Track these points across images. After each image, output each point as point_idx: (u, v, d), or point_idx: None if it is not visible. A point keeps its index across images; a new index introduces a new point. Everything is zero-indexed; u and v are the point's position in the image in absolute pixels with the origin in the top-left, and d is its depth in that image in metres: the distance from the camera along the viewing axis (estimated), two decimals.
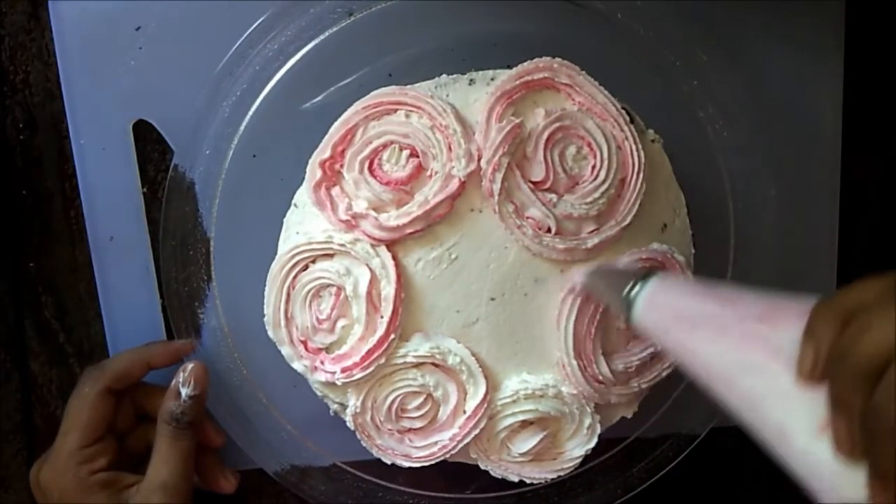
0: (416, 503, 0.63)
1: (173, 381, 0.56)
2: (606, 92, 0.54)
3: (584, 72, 0.54)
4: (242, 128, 0.60)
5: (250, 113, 0.59)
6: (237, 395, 0.62)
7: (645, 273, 0.45)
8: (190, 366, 0.56)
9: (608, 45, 0.60)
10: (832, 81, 0.65)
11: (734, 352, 0.36)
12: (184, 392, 0.55)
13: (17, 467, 0.68)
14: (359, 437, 0.58)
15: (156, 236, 0.63)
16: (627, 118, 0.55)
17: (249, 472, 0.67)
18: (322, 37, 0.59)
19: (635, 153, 0.54)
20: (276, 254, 0.57)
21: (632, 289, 0.45)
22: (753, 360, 0.35)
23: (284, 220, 0.58)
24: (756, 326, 0.36)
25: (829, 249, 0.68)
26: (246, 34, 0.58)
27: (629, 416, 0.60)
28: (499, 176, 0.53)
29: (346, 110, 0.55)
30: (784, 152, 0.62)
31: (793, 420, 0.34)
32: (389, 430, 0.57)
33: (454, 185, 0.53)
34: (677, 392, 0.62)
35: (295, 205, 0.57)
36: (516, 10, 0.60)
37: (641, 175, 0.54)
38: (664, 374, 0.58)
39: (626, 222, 0.55)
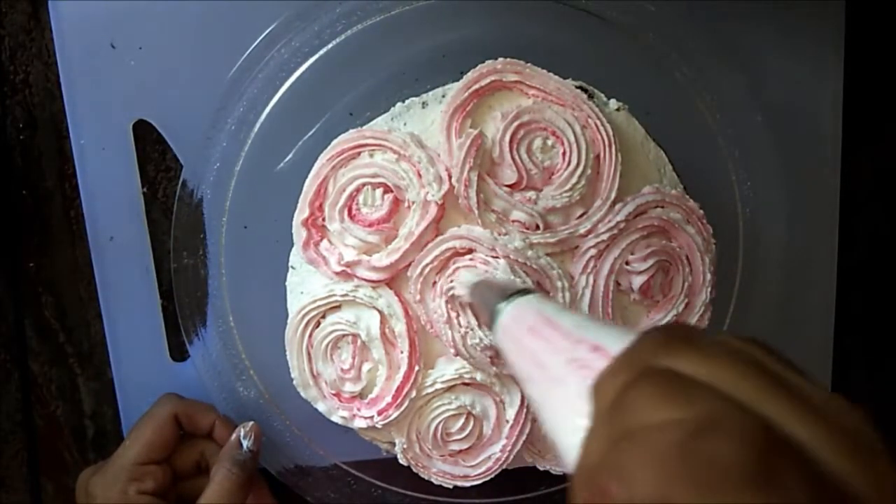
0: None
1: (235, 434, 0.58)
2: (557, 77, 0.54)
3: (529, 63, 0.54)
4: (228, 202, 0.60)
5: (232, 184, 0.60)
6: (242, 396, 0.62)
7: (516, 291, 0.42)
8: (251, 423, 0.59)
9: (608, 46, 0.60)
10: (832, 81, 0.65)
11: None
12: (245, 444, 0.58)
13: (17, 467, 0.68)
14: (415, 471, 0.59)
15: (156, 236, 0.63)
16: (585, 96, 0.54)
17: None
18: (284, 87, 0.59)
19: (602, 128, 0.54)
20: (284, 263, 0.58)
21: (498, 303, 0.41)
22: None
23: (286, 283, 0.59)
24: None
25: (830, 249, 0.68)
26: (230, 71, 0.59)
27: None
28: (471, 191, 0.53)
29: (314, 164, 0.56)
30: (784, 152, 0.62)
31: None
32: (441, 456, 0.58)
33: (433, 210, 0.53)
34: None
35: (292, 267, 0.58)
36: (455, 18, 0.59)
37: (614, 147, 0.54)
38: None
39: (612, 197, 0.54)
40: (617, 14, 0.59)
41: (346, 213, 0.55)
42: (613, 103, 0.57)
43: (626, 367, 0.27)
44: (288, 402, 0.61)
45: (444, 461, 0.58)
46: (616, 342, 0.30)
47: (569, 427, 0.30)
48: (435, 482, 0.59)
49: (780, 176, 0.62)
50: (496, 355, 0.54)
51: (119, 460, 0.57)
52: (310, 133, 0.60)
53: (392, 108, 0.57)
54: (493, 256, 0.53)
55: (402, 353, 0.55)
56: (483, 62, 0.54)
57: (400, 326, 0.55)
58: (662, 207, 0.55)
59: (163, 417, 0.58)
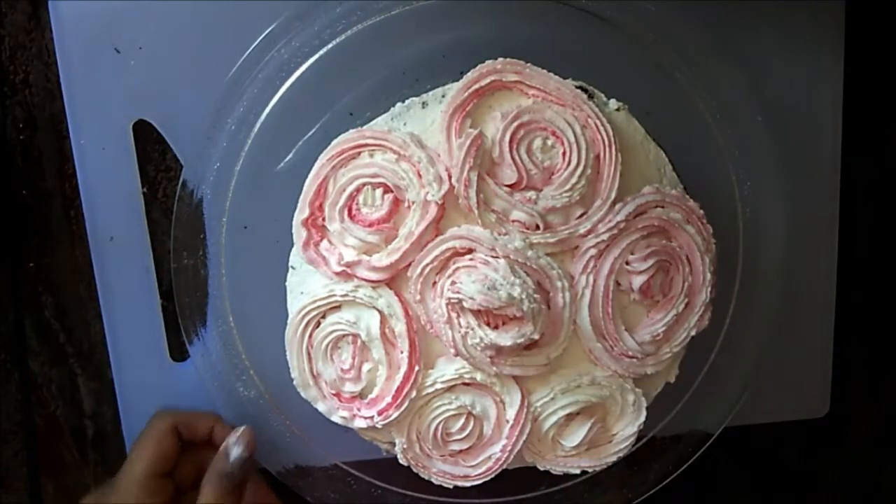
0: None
1: (224, 443, 0.57)
2: (557, 77, 0.54)
3: (529, 63, 0.54)
4: (228, 202, 0.60)
5: (232, 184, 0.60)
6: (242, 397, 0.62)
7: None
8: (242, 428, 0.58)
9: (608, 46, 0.60)
10: (832, 81, 0.65)
11: None
12: (234, 452, 0.57)
13: (17, 467, 0.68)
14: (415, 471, 0.58)
15: (155, 236, 0.63)
16: (585, 96, 0.54)
17: None
18: (284, 87, 0.59)
19: (602, 128, 0.54)
20: (284, 263, 0.58)
21: None
22: None
23: (286, 283, 0.59)
24: None
25: (830, 249, 0.68)
26: (228, 74, 0.59)
27: (672, 381, 0.60)
28: (471, 191, 0.53)
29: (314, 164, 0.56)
30: (784, 152, 0.62)
31: None
32: (441, 456, 0.58)
33: (433, 210, 0.53)
34: (689, 394, 0.63)
35: (292, 267, 0.58)
36: (455, 18, 0.59)
37: (614, 147, 0.54)
38: (692, 333, 0.57)
39: (612, 197, 0.54)
40: (617, 14, 0.59)
41: (346, 213, 0.55)
42: (613, 103, 0.57)
43: None
44: (288, 402, 0.61)
45: (444, 461, 0.58)
46: None
47: None
48: (435, 482, 0.59)
49: (780, 176, 0.62)
50: (496, 355, 0.54)
51: (128, 476, 0.57)
52: (310, 133, 0.60)
53: (392, 108, 0.57)
54: (493, 256, 0.53)
55: (402, 353, 0.55)
56: (483, 62, 0.54)
57: (400, 326, 0.55)
58: (662, 207, 0.55)
59: (161, 430, 0.58)
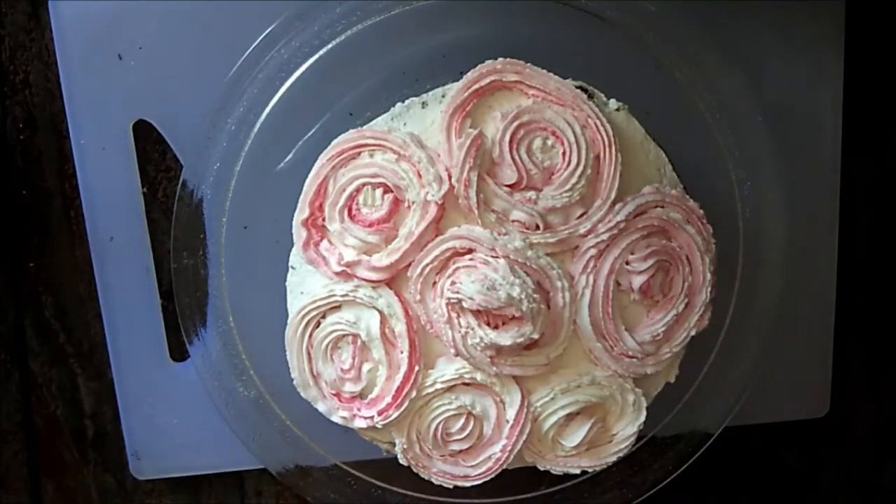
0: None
1: None
2: (557, 77, 0.54)
3: (529, 63, 0.54)
4: (228, 202, 0.60)
5: (232, 184, 0.60)
6: (242, 396, 0.62)
7: None
8: None
9: (608, 46, 0.60)
10: (832, 81, 0.65)
11: None
12: None
13: (17, 467, 0.68)
14: (415, 471, 0.58)
15: (155, 236, 0.63)
16: (585, 96, 0.54)
17: (249, 472, 0.68)
18: (284, 87, 0.59)
19: (602, 128, 0.54)
20: (284, 263, 0.58)
21: None
22: None
23: (286, 283, 0.59)
24: None
25: (829, 250, 0.68)
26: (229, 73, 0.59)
27: (672, 381, 0.60)
28: (471, 191, 0.53)
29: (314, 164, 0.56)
30: (784, 152, 0.62)
31: None
32: (441, 456, 0.58)
33: (433, 210, 0.53)
34: (689, 394, 0.63)
35: (292, 267, 0.58)
36: (455, 18, 0.59)
37: (614, 147, 0.54)
38: (692, 333, 0.57)
39: (612, 197, 0.54)
40: (617, 14, 0.59)
41: (346, 213, 0.55)
42: (613, 103, 0.57)
43: None
44: (288, 402, 0.61)
45: (445, 461, 0.58)
46: None
47: None
48: (435, 482, 0.59)
49: (780, 176, 0.62)
50: (496, 355, 0.54)
51: None
52: (310, 133, 0.60)
53: (392, 108, 0.57)
54: (493, 256, 0.53)
55: (402, 353, 0.55)
56: (483, 62, 0.54)
57: (400, 326, 0.55)
58: (662, 207, 0.55)
59: None
